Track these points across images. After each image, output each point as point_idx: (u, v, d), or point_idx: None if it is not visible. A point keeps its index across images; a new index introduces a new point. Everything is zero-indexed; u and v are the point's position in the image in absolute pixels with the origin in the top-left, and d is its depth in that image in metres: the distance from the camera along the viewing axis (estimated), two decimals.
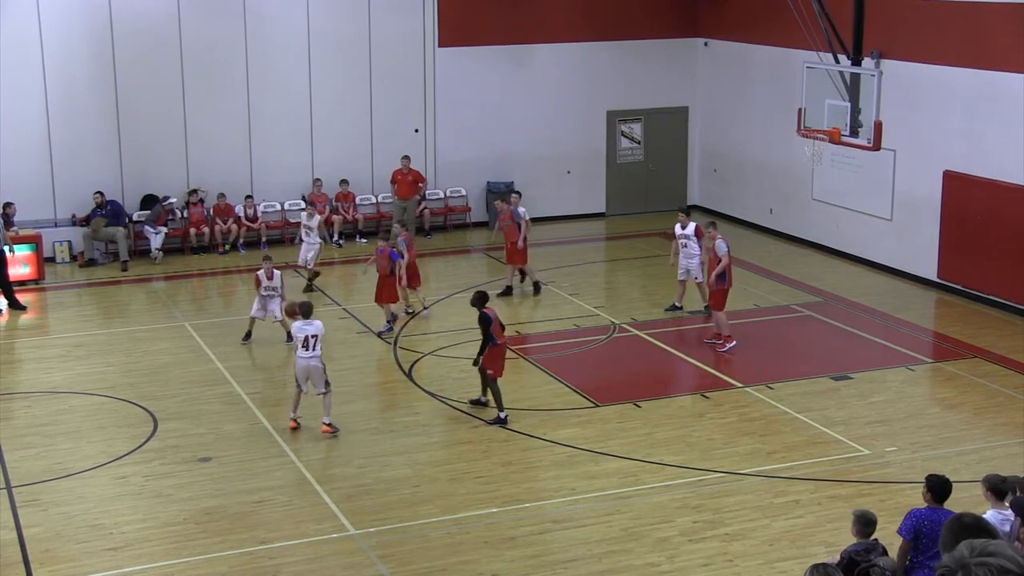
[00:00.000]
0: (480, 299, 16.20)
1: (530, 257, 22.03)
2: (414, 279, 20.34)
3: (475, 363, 16.10)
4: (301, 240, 22.13)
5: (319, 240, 21.95)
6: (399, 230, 20.57)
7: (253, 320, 19.08)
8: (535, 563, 12.17)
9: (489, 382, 15.97)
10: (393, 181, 25.78)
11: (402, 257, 19.64)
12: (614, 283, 23.76)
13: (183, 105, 24.81)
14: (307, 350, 15.40)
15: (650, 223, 27.31)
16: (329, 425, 15.48)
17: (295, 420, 15.65)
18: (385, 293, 19.55)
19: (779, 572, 12.01)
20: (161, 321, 20.57)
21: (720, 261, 18.53)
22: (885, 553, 9.60)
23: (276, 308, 18.82)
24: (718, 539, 12.66)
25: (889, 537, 10.18)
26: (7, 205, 22.62)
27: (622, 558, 12.25)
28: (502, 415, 15.86)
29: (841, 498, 13.61)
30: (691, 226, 20.21)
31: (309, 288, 21.68)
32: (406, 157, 25.74)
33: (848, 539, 12.40)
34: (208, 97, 24.94)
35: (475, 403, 16.40)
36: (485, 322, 15.88)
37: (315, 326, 15.51)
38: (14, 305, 21.17)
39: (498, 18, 26.53)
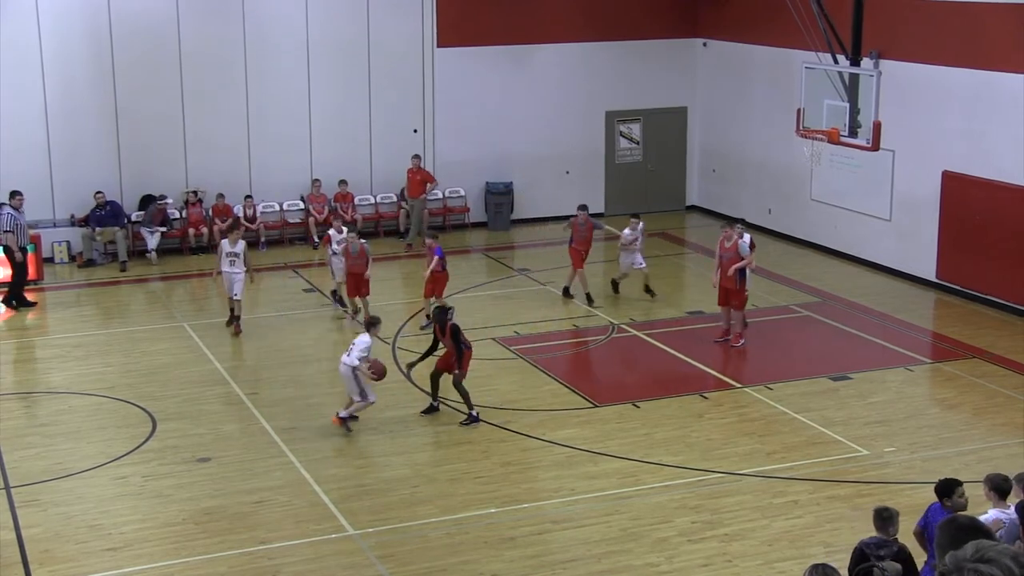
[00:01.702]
0: (443, 312, 16.13)
1: (530, 257, 21.99)
2: (364, 287, 19.84)
3: (411, 366, 16.67)
4: (219, 272, 19.56)
5: (243, 269, 19.41)
6: (353, 237, 20.06)
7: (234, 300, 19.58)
8: (534, 563, 12.18)
9: (458, 384, 15.82)
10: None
11: (358, 259, 19.66)
12: None
13: (182, 106, 24.81)
14: (347, 355, 15.44)
15: (649, 223, 27.18)
16: (342, 420, 15.46)
17: (338, 416, 15.60)
18: (438, 288, 19.77)
19: (778, 572, 12.02)
20: (160, 321, 20.57)
21: (742, 260, 18.70)
22: (901, 552, 9.57)
23: (239, 282, 19.38)
24: (717, 539, 12.66)
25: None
26: (15, 194, 22.32)
27: (621, 558, 12.26)
28: (475, 413, 15.88)
29: (840, 498, 13.63)
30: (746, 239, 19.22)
31: (234, 322, 19.63)
32: (416, 156, 25.77)
33: (847, 539, 12.44)
34: (207, 97, 24.94)
35: (430, 411, 16.19)
36: (458, 331, 15.87)
37: (359, 337, 15.48)
38: (23, 303, 21.21)
39: (497, 18, 26.54)
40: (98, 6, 23.97)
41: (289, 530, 12.98)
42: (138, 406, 16.52)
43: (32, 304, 21.30)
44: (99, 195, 23.81)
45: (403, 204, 26.10)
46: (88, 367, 18.49)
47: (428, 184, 25.72)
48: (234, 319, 19.60)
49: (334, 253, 20.80)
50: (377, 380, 15.61)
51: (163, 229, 24.49)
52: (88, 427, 15.92)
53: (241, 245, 19.51)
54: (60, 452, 15.01)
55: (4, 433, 15.60)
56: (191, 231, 24.84)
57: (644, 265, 21.51)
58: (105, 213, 23.86)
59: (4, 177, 23.41)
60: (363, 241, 20.25)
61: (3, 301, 21.32)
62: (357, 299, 19.99)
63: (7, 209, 21.70)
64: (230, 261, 19.38)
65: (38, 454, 14.95)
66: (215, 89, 24.97)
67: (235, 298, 19.45)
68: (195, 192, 24.94)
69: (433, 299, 19.57)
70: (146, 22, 24.36)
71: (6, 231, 21.43)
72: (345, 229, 20.81)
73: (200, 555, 12.41)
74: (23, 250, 21.44)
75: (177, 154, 24.99)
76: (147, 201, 24.77)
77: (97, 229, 23.79)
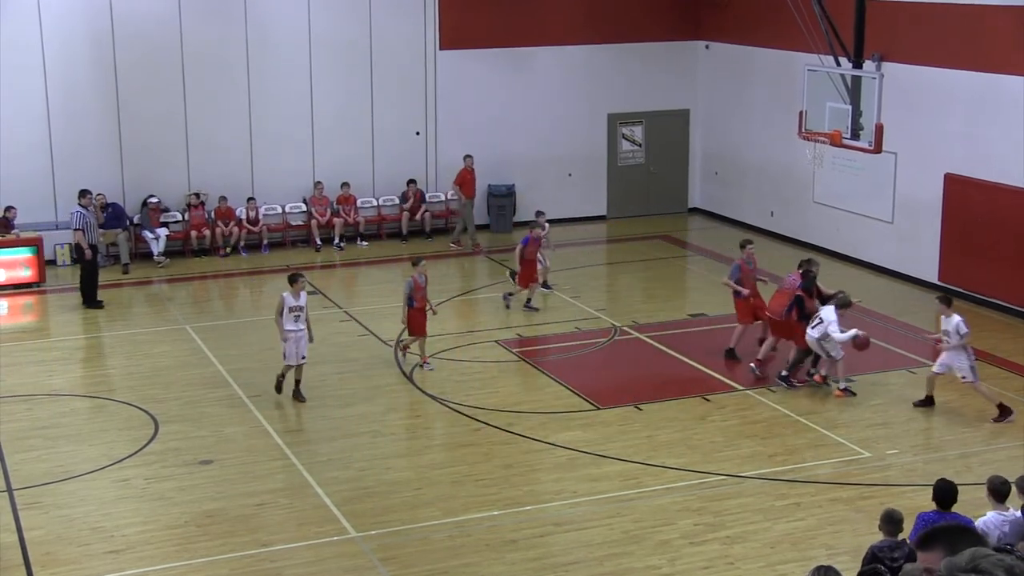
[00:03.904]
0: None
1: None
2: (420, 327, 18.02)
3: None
4: (288, 331, 16.40)
5: (305, 326, 16.62)
6: (424, 267, 18.14)
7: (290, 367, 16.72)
8: (536, 566, 12.17)
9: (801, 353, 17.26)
10: (459, 182, 25.81)
11: (414, 294, 17.80)
12: (615, 286, 23.75)
13: (184, 107, 24.83)
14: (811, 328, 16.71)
15: (651, 226, 27.32)
16: (843, 390, 16.83)
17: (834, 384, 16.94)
18: (532, 275, 20.68)
19: (780, 575, 12.01)
20: (162, 324, 20.58)
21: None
22: (912, 554, 9.57)
23: (304, 342, 16.59)
24: (719, 542, 12.66)
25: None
26: (84, 193, 22.42)
27: (623, 561, 12.26)
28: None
29: (842, 501, 13.62)
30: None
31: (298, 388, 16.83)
32: (469, 156, 25.79)
33: (849, 542, 12.45)
34: (209, 99, 24.96)
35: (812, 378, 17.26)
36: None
37: (825, 312, 16.75)
38: (92, 303, 21.30)
39: (499, 21, 26.55)
40: (100, 7, 24.00)
41: (291, 533, 12.98)
42: (140, 408, 16.52)
43: (101, 304, 21.33)
44: (100, 197, 23.80)
45: (403, 207, 26.10)
46: (90, 369, 18.50)
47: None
48: (297, 384, 16.74)
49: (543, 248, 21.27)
50: (861, 350, 16.72)
51: (166, 231, 24.51)
52: (90, 429, 15.93)
53: (305, 297, 16.66)
54: (62, 454, 15.01)
55: (6, 435, 15.61)
56: (193, 233, 24.85)
57: (974, 379, 16.04)
58: (107, 215, 23.86)
59: (5, 179, 23.46)
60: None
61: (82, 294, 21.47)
62: (408, 337, 18.19)
63: (77, 208, 21.82)
64: (295, 317, 16.43)
65: (40, 456, 14.95)
66: (217, 91, 24.99)
67: (302, 362, 16.63)
68: (197, 194, 24.94)
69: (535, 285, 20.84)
70: (148, 24, 24.38)
71: (76, 229, 21.52)
72: (547, 227, 21.30)
73: (202, 557, 12.40)
74: (93, 248, 21.49)
75: (179, 156, 25.01)
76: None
77: (99, 231, 23.78)
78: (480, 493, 13.89)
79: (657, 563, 12.21)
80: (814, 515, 13.28)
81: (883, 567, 9.07)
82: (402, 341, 18.47)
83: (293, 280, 16.64)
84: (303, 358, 16.56)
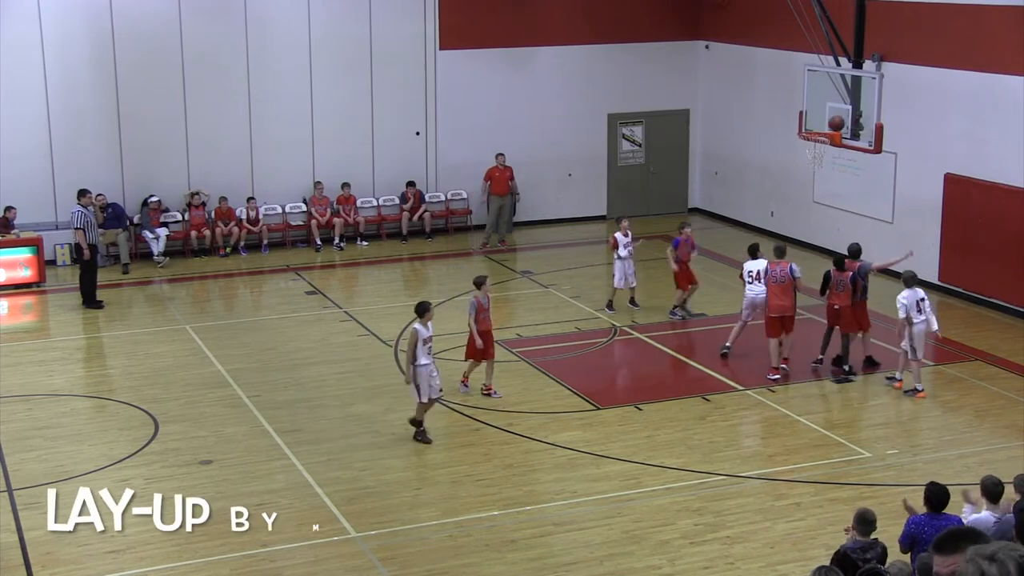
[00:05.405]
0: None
1: (532, 260, 21.69)
2: (486, 345, 16.75)
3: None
4: (421, 366, 14.99)
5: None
6: (486, 288, 16.92)
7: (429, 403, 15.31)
8: (536, 566, 12.17)
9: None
10: (488, 179, 25.81)
11: (478, 316, 16.61)
12: None
13: (184, 107, 24.82)
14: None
15: (651, 226, 27.29)
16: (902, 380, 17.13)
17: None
18: (690, 277, 20.40)
19: (780, 575, 12.01)
20: (162, 324, 20.58)
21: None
22: (884, 553, 9.60)
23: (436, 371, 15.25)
24: (719, 542, 12.66)
25: (890, 540, 10.17)
26: (84, 192, 22.43)
27: (623, 561, 12.26)
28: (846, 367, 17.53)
29: (842, 501, 13.61)
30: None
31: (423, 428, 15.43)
32: (501, 154, 25.78)
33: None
34: (209, 99, 24.95)
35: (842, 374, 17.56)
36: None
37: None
38: (91, 303, 21.26)
39: (499, 21, 26.55)
40: (100, 8, 23.99)
41: (291, 533, 12.97)
42: (140, 409, 16.52)
43: (101, 305, 21.30)
44: (100, 197, 23.79)
45: (403, 207, 26.10)
46: (90, 369, 18.49)
47: (511, 181, 25.90)
48: (421, 424, 15.40)
49: (619, 257, 20.53)
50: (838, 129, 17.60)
51: (166, 231, 24.50)
52: (90, 430, 15.93)
53: (432, 326, 15.30)
54: (62, 455, 15.01)
55: (6, 436, 15.61)
56: (193, 233, 24.85)
57: None
58: (107, 215, 23.85)
59: (5, 179, 23.47)
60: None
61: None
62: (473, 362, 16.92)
63: (77, 207, 21.78)
64: (428, 349, 15.06)
65: (40, 457, 14.95)
66: (217, 91, 24.98)
67: (439, 396, 15.46)
68: (197, 194, 24.93)
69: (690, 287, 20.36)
70: (148, 24, 24.38)
71: (77, 228, 21.50)
72: (629, 234, 20.47)
73: (202, 558, 12.40)
74: (93, 248, 21.47)
75: (179, 156, 25.00)
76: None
77: (99, 231, 23.77)
78: (480, 493, 13.89)
79: (657, 563, 12.22)
80: (814, 515, 13.29)
81: (881, 567, 9.08)
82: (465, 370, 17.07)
83: (423, 310, 15.20)
84: (440, 391, 15.42)
